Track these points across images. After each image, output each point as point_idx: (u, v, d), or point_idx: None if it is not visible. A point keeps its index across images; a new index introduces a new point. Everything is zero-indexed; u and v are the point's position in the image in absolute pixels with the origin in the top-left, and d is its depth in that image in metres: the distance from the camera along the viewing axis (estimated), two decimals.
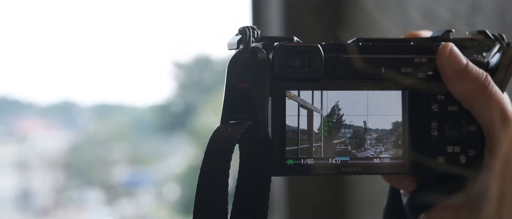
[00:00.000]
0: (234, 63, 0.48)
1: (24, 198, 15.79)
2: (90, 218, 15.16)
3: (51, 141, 15.00)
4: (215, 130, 0.47)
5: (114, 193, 15.30)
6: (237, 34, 0.49)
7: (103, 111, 15.49)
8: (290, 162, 0.48)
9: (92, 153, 15.25)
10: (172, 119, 17.69)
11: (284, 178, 1.30)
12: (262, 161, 0.48)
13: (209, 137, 0.47)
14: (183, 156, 15.34)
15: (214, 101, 14.79)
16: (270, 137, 0.48)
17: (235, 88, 0.48)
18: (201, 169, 0.46)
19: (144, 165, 15.09)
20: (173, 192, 14.67)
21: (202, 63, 17.65)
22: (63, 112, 14.60)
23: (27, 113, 14.37)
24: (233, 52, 0.50)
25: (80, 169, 15.25)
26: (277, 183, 1.42)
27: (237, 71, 0.47)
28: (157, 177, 14.24)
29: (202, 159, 0.47)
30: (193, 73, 17.71)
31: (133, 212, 15.45)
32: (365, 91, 0.49)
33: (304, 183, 1.35)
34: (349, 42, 0.50)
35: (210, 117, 14.31)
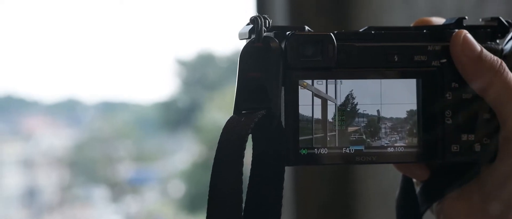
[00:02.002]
0: (246, 53, 0.47)
1: (30, 196, 15.82)
2: (95, 215, 15.20)
3: (56, 139, 15.01)
4: (228, 120, 0.46)
5: (119, 190, 15.33)
6: (248, 24, 0.48)
7: (107, 108, 15.49)
8: (304, 151, 0.48)
9: (97, 150, 15.26)
10: (176, 116, 17.72)
11: (292, 169, 1.29)
12: (276, 151, 0.47)
13: (222, 128, 0.47)
14: (187, 153, 15.37)
15: (218, 98, 14.78)
16: (283, 126, 0.47)
17: (248, 78, 0.47)
18: (214, 160, 0.46)
19: (149, 163, 15.11)
20: (178, 189, 14.68)
21: (205, 60, 17.70)
22: (67, 110, 14.60)
23: (32, 111, 14.37)
24: (244, 42, 0.50)
25: (85, 167, 15.27)
26: (285, 175, 1.41)
27: (249, 61, 0.47)
28: (161, 174, 14.26)
29: (215, 150, 0.47)
30: (196, 70, 17.74)
31: (138, 209, 15.49)
32: (379, 80, 0.49)
33: (311, 175, 1.35)
34: (361, 30, 0.50)
35: (215, 113, 14.32)
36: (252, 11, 1.57)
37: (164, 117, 17.04)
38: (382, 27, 0.50)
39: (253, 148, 0.48)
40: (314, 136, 0.48)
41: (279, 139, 0.47)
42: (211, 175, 0.45)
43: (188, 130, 14.91)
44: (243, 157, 0.45)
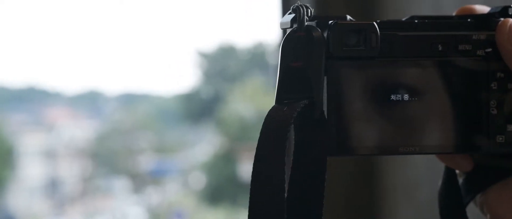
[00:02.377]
0: (288, 42, 0.47)
1: (53, 186, 15.93)
2: (117, 206, 15.27)
3: (78, 130, 15.07)
4: (270, 110, 0.46)
5: (140, 181, 15.39)
6: (290, 13, 0.48)
7: (129, 100, 15.54)
8: (346, 142, 0.47)
9: (119, 142, 15.33)
10: (197, 108, 17.77)
11: None
12: (318, 141, 0.47)
13: (264, 117, 0.46)
14: (208, 145, 15.38)
15: (239, 90, 14.77)
16: (326, 116, 0.47)
17: (290, 67, 0.47)
18: (257, 149, 0.45)
19: (170, 154, 15.15)
20: (199, 180, 14.71)
21: (226, 53, 17.72)
22: (89, 102, 14.65)
23: (55, 103, 14.44)
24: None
25: (107, 158, 15.34)
26: None
27: (292, 50, 0.47)
28: (182, 166, 14.30)
29: (258, 140, 0.46)
30: (218, 63, 17.76)
31: (159, 200, 15.55)
32: (422, 69, 0.48)
33: (334, 169, 1.34)
34: (404, 19, 0.49)
35: (236, 105, 14.32)
36: (275, 4, 1.57)
37: (185, 108, 17.08)
38: (425, 16, 0.50)
39: (294, 138, 0.47)
40: (356, 126, 0.48)
41: (321, 129, 0.47)
42: (253, 166, 0.45)
43: (209, 121, 14.91)
44: (286, 146, 0.44)
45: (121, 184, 16.84)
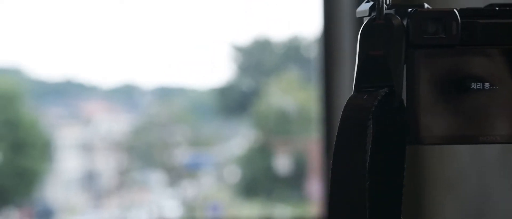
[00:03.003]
0: (367, 30, 0.47)
1: (89, 179, 16.06)
2: (152, 199, 15.37)
3: (114, 123, 15.20)
4: (350, 98, 0.46)
5: (176, 174, 15.48)
6: (367, 1, 0.48)
7: (165, 94, 15.61)
8: (425, 131, 0.47)
9: (154, 135, 15.41)
10: (232, 102, 17.78)
11: None
12: (397, 130, 0.47)
13: (343, 106, 0.46)
14: (243, 139, 15.40)
15: (274, 84, 14.74)
16: (405, 105, 0.47)
17: (368, 55, 0.47)
18: (337, 138, 0.45)
19: (205, 147, 15.20)
20: (235, 174, 14.75)
21: (262, 46, 17.66)
22: (125, 95, 14.76)
23: (91, 96, 14.57)
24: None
25: (143, 151, 15.44)
26: None
27: (371, 38, 0.46)
28: (218, 159, 14.33)
29: (338, 127, 0.46)
30: (253, 56, 17.72)
31: (194, 193, 15.61)
32: (504, 57, 0.48)
33: None
34: (484, 7, 0.49)
35: (272, 99, 14.29)
36: None
37: (221, 102, 17.11)
38: (504, 4, 0.49)
39: (373, 127, 0.47)
40: (437, 115, 0.47)
41: (401, 118, 0.47)
42: (334, 152, 0.45)
43: (244, 115, 14.92)
44: (367, 135, 0.44)
45: (156, 177, 16.94)
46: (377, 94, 0.45)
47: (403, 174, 0.47)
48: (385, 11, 0.47)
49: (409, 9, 0.47)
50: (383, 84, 0.46)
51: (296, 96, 13.45)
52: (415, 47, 0.47)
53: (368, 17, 0.47)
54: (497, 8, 0.48)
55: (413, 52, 0.47)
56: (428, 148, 1.35)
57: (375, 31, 0.47)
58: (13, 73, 15.09)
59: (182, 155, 16.57)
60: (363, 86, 0.46)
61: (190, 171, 15.60)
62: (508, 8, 0.48)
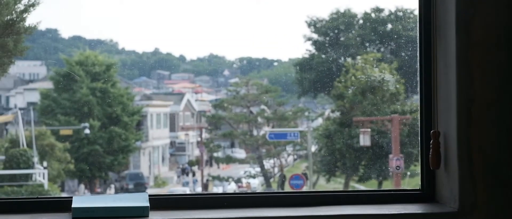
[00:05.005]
0: None
1: (177, 151, 16.49)
2: (237, 172, 15.75)
3: (200, 95, 15.58)
4: None
5: (259, 148, 15.79)
6: None
7: (248, 67, 15.90)
8: None
9: (238, 108, 15.75)
10: (315, 76, 17.88)
11: None
12: None
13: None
14: (326, 113, 15.56)
15: (357, 59, 14.81)
16: None
17: None
18: None
19: (289, 121, 15.45)
20: (317, 148, 14.92)
21: (345, 21, 17.63)
22: (210, 68, 15.07)
23: (178, 69, 14.95)
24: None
25: (227, 124, 15.81)
26: None
27: None
28: (301, 133, 14.53)
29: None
30: (336, 32, 17.72)
31: (278, 166, 15.87)
32: None
33: None
34: None
35: (354, 74, 14.36)
36: None
37: (304, 76, 17.23)
38: None
39: None
40: None
41: None
42: None
43: (327, 90, 15.08)
44: None
45: (240, 150, 17.26)
46: None
47: None
48: None
49: None
50: None
51: (378, 72, 13.49)
52: None
53: None
54: None
55: None
56: None
57: None
58: (108, 45, 15.62)
59: (265, 128, 16.85)
60: None
61: (273, 144, 15.89)
62: None
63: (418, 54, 1.81)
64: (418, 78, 1.86)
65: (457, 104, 1.66)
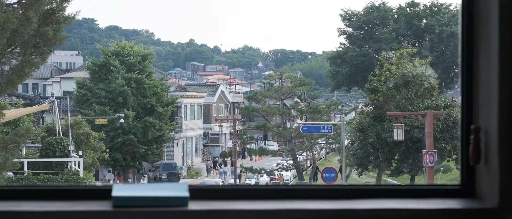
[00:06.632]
0: None
1: (210, 142, 16.61)
2: (270, 164, 15.79)
3: (233, 87, 15.63)
4: None
5: (292, 139, 15.82)
6: None
7: (282, 59, 15.95)
8: None
9: (271, 100, 15.79)
10: (349, 70, 17.84)
11: None
12: None
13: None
14: (359, 107, 15.58)
15: (391, 53, 14.80)
16: None
17: None
18: None
19: (321, 114, 15.46)
20: (349, 141, 14.93)
21: (379, 16, 17.61)
22: (244, 59, 15.17)
23: (212, 61, 15.06)
24: None
25: (260, 116, 15.85)
26: None
27: None
28: (334, 126, 14.56)
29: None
30: (371, 27, 17.73)
31: (310, 158, 15.89)
32: None
33: None
34: None
35: (388, 69, 14.30)
36: None
37: (338, 70, 17.07)
38: None
39: None
40: None
41: None
42: None
43: (360, 84, 15.02)
44: None
45: (273, 142, 17.32)
46: None
47: None
48: None
49: None
50: None
51: (412, 67, 13.40)
52: None
53: None
54: None
55: None
56: None
57: None
58: (144, 36, 15.74)
59: (298, 121, 16.83)
60: None
61: (306, 136, 15.84)
62: None
63: (459, 48, 1.80)
64: (460, 73, 1.85)
65: (499, 99, 1.65)
